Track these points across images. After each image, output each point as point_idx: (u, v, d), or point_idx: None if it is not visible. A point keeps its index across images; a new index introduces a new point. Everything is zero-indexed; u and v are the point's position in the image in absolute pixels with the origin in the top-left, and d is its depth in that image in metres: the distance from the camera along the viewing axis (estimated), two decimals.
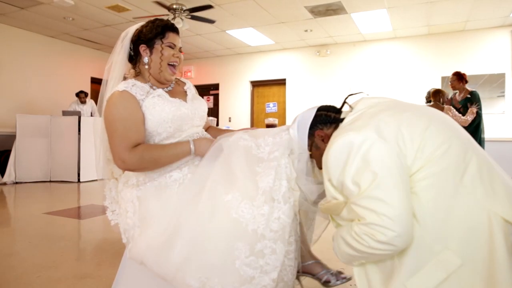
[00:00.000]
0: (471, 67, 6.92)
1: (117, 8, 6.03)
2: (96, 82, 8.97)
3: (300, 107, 8.43)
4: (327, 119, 1.32)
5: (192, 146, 1.38)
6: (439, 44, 7.27)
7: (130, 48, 1.49)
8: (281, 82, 8.80)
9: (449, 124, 1.14)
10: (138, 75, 1.51)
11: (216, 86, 9.58)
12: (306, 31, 7.20)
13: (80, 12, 6.24)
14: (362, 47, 7.96)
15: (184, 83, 1.64)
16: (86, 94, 7.37)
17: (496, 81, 6.85)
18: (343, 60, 8.10)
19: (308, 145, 1.34)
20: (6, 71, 6.87)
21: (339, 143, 1.09)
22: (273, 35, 7.56)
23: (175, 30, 1.49)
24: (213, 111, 9.61)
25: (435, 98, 4.83)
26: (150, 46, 1.45)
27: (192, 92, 1.60)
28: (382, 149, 1.03)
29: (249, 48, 8.60)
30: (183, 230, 1.24)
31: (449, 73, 6.97)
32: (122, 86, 1.40)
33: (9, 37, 6.99)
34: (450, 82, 4.85)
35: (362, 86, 7.93)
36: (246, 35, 7.54)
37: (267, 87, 9.09)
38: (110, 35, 7.58)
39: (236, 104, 9.26)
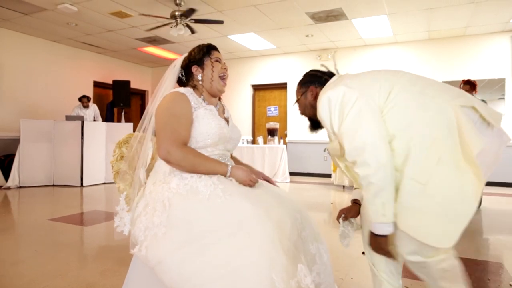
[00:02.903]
0: (471, 72, 6.96)
1: (120, 14, 6.10)
2: (99, 86, 9.04)
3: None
4: (320, 80, 1.64)
5: (228, 172, 1.48)
6: (440, 49, 7.32)
7: (181, 74, 1.69)
8: (283, 86, 8.85)
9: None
10: (194, 88, 1.67)
11: None
12: (307, 36, 7.26)
13: (83, 18, 6.31)
14: (363, 52, 8.00)
15: (224, 108, 1.80)
16: (88, 99, 7.44)
17: (497, 84, 6.90)
18: (344, 64, 8.15)
19: (300, 92, 1.70)
20: (10, 75, 6.95)
21: (322, 101, 1.43)
22: (274, 40, 7.62)
23: (217, 48, 1.73)
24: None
25: None
26: (201, 65, 1.66)
27: (231, 120, 1.78)
28: (352, 95, 1.36)
29: (251, 52, 8.66)
30: (210, 253, 1.24)
31: (450, 78, 7.03)
32: (182, 90, 1.58)
33: (13, 42, 7.07)
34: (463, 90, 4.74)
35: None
36: (248, 39, 7.60)
37: (268, 91, 9.14)
38: (113, 40, 7.66)
39: (237, 108, 9.31)
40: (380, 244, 1.35)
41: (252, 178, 1.50)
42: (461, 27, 6.63)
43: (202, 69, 1.66)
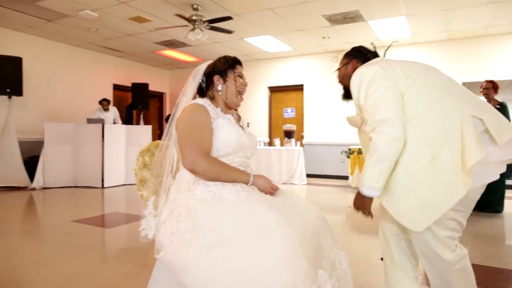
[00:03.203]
0: (493, 72, 6.81)
1: (139, 19, 6.22)
2: (119, 89, 9.24)
3: (317, 113, 8.48)
4: (364, 57, 1.82)
5: (251, 181, 1.54)
6: (460, 49, 7.19)
7: (202, 80, 1.74)
8: (299, 88, 8.85)
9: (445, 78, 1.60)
10: (211, 99, 1.73)
11: None
12: (323, 38, 7.24)
13: (104, 23, 6.46)
14: (380, 53, 7.91)
15: (240, 117, 1.86)
16: (108, 102, 7.62)
17: None
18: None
19: (343, 62, 1.87)
20: (35, 80, 7.18)
21: (356, 74, 1.61)
22: (290, 42, 7.62)
23: (241, 63, 1.81)
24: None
25: None
26: (223, 76, 1.71)
27: (247, 128, 1.85)
28: (382, 76, 1.52)
29: (267, 54, 8.69)
30: (233, 258, 1.28)
31: (470, 79, 6.90)
32: (200, 101, 1.64)
33: (37, 48, 7.30)
34: (484, 89, 4.54)
35: None
36: (264, 42, 7.64)
37: (284, 93, 9.15)
38: (132, 44, 7.81)
39: (254, 110, 9.36)
40: (364, 203, 1.56)
41: (273, 186, 1.56)
42: (482, 27, 6.49)
43: (224, 80, 1.71)
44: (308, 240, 1.37)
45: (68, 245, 3.05)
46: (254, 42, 7.64)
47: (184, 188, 1.55)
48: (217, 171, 1.52)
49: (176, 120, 1.64)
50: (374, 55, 1.84)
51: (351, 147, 6.75)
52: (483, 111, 1.41)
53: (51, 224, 3.87)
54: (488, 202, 4.53)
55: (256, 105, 9.38)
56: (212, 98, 1.72)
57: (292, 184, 7.26)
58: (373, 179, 1.45)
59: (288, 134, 7.80)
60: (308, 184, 7.36)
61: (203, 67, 1.75)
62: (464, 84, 7.10)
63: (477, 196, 1.50)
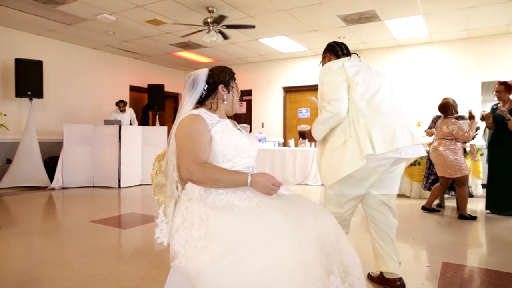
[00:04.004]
0: None
1: (155, 22, 6.31)
2: (135, 90, 9.38)
3: None
4: (336, 51, 2.30)
5: (249, 180, 1.53)
6: (479, 48, 7.03)
7: (204, 88, 1.77)
8: (314, 88, 8.78)
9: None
10: (208, 108, 1.78)
11: (249, 92, 9.74)
12: (338, 38, 7.18)
13: (121, 26, 6.58)
14: (397, 52, 7.83)
15: (235, 123, 1.89)
16: (125, 103, 7.75)
17: None
18: (377, 65, 7.96)
19: (322, 57, 2.37)
20: (54, 83, 7.36)
21: (324, 66, 2.19)
22: (305, 42, 7.60)
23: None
24: (246, 117, 9.77)
25: (446, 112, 4.55)
26: (227, 86, 1.79)
27: (245, 130, 1.87)
28: (341, 71, 2.08)
29: (282, 54, 8.68)
30: (246, 264, 1.29)
31: (490, 79, 6.74)
32: (195, 111, 1.67)
33: (56, 51, 7.49)
34: (497, 91, 4.48)
35: (397, 92, 7.79)
36: (279, 43, 7.63)
37: (299, 93, 9.13)
38: (148, 46, 7.93)
39: (268, 110, 9.36)
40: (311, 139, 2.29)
41: (275, 182, 1.54)
42: (503, 25, 6.34)
43: (228, 90, 1.79)
44: (320, 246, 1.38)
45: (86, 246, 3.13)
46: (269, 42, 7.65)
47: (195, 197, 1.58)
48: (213, 176, 1.54)
49: (174, 132, 1.66)
50: (346, 52, 2.29)
51: None
52: (378, 124, 1.96)
53: (70, 224, 3.97)
54: (508, 205, 4.43)
55: (270, 106, 9.38)
56: (209, 108, 1.76)
57: (307, 185, 7.24)
58: (319, 131, 2.13)
59: (303, 135, 7.76)
60: (323, 185, 7.31)
61: (202, 76, 1.77)
62: (484, 83, 6.95)
63: (366, 176, 2.07)
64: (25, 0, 5.36)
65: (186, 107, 1.73)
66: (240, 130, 1.82)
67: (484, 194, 4.87)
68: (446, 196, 5.21)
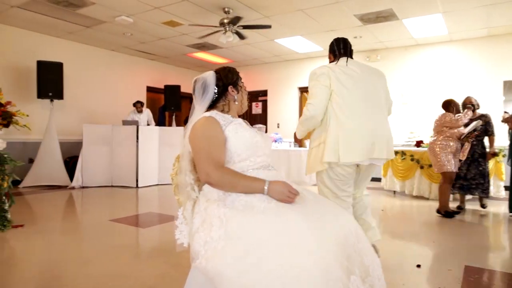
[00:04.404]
0: None
1: (172, 23, 6.37)
2: (152, 91, 9.50)
3: None
4: (334, 52, 2.50)
5: (266, 187, 1.52)
6: (501, 46, 6.85)
7: (214, 92, 1.77)
8: None
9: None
10: (220, 110, 1.78)
11: (264, 93, 9.74)
12: (355, 37, 7.12)
13: (138, 28, 6.67)
14: (415, 52, 7.70)
15: (247, 122, 1.89)
16: (142, 104, 7.85)
17: None
18: (395, 65, 7.89)
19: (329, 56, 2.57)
20: (74, 84, 7.51)
21: (311, 71, 2.37)
22: (321, 42, 7.55)
23: None
24: (262, 118, 9.77)
25: (447, 109, 4.64)
26: (236, 86, 1.81)
27: (260, 131, 1.88)
28: (324, 77, 2.25)
29: (297, 54, 8.65)
30: (266, 264, 1.29)
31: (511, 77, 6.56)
32: (207, 113, 1.68)
33: (76, 53, 7.65)
34: None
35: (415, 92, 7.67)
36: (295, 43, 7.61)
37: None
38: (165, 47, 8.01)
39: (284, 110, 9.34)
40: (298, 142, 2.58)
41: (291, 189, 1.52)
42: None
43: (237, 90, 1.81)
44: (341, 246, 1.37)
45: (106, 244, 3.18)
46: (285, 43, 7.63)
47: (213, 198, 1.58)
48: (231, 180, 1.54)
49: (188, 136, 1.67)
50: (344, 52, 2.44)
51: None
52: (347, 134, 2.19)
53: (90, 222, 4.05)
54: None
55: (286, 106, 9.36)
56: (222, 109, 1.78)
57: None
58: (301, 131, 2.42)
59: None
60: None
61: (210, 80, 1.77)
62: (506, 83, 6.77)
63: (343, 178, 2.28)
64: (46, 3, 5.48)
65: (198, 111, 1.73)
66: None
67: (507, 196, 4.75)
68: (467, 198, 5.09)
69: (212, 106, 1.78)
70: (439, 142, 4.51)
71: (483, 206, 4.88)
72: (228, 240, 1.40)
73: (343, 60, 2.36)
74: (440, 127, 4.55)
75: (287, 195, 1.50)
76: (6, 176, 3.58)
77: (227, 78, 1.79)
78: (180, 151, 1.78)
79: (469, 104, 4.61)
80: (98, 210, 4.70)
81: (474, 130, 4.48)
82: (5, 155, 3.59)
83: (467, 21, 6.17)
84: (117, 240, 3.32)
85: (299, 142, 2.61)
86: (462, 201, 4.93)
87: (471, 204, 5.15)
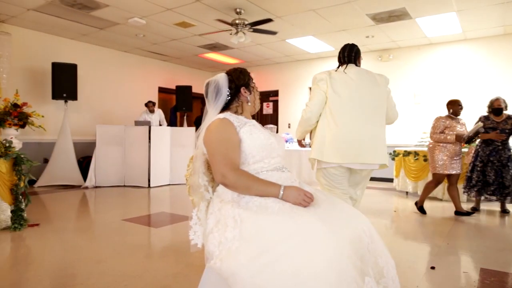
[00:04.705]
0: None
1: (184, 25, 6.41)
2: (164, 92, 9.57)
3: None
4: (340, 60, 2.67)
5: (281, 192, 1.52)
6: None
7: (227, 94, 1.77)
8: None
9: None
10: (234, 111, 1.79)
11: (275, 93, 9.73)
12: (367, 37, 7.07)
13: (150, 29, 6.73)
14: (428, 51, 7.60)
15: (260, 125, 1.91)
16: (153, 104, 7.92)
17: None
18: (407, 65, 7.81)
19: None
20: (88, 85, 7.63)
21: (313, 76, 2.57)
22: (332, 42, 7.51)
23: None
24: (273, 118, 9.77)
25: (448, 109, 4.66)
26: (248, 87, 1.82)
27: (272, 131, 1.88)
28: (322, 83, 2.47)
29: (309, 55, 8.62)
30: (280, 265, 1.29)
31: None
32: (221, 115, 1.68)
33: (89, 55, 7.76)
34: None
35: (428, 92, 7.57)
36: (306, 43, 7.59)
37: None
38: (176, 48, 8.07)
39: (295, 111, 9.31)
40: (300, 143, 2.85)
41: (306, 193, 1.52)
42: None
43: (250, 91, 1.82)
44: (355, 247, 1.37)
45: (120, 244, 3.22)
46: (296, 43, 7.62)
47: (228, 199, 1.59)
48: (247, 183, 1.55)
49: (203, 138, 1.67)
50: (348, 60, 2.60)
51: (396, 149, 6.54)
52: (336, 137, 2.39)
53: (103, 222, 4.10)
54: None
55: (297, 106, 9.32)
56: (235, 111, 1.78)
57: None
58: (298, 132, 2.66)
59: None
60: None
61: (223, 82, 1.77)
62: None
63: (335, 177, 2.48)
64: (61, 6, 5.58)
65: (212, 114, 1.73)
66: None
67: None
68: (482, 198, 5.00)
69: (225, 108, 1.78)
70: (440, 144, 4.53)
71: (505, 211, 4.74)
72: (242, 241, 1.41)
73: (344, 67, 2.54)
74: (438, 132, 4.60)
75: (302, 199, 1.50)
76: (23, 176, 3.65)
77: (239, 79, 1.79)
78: (194, 153, 1.79)
79: (497, 106, 4.51)
80: (111, 210, 4.76)
81: (477, 133, 4.43)
82: (22, 155, 3.65)
83: (482, 19, 6.07)
84: (130, 240, 3.36)
85: (299, 142, 2.85)
86: (478, 203, 4.85)
87: (486, 205, 5.07)
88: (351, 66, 2.54)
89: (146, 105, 7.89)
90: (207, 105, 1.78)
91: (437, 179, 4.57)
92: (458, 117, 4.62)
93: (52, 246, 3.15)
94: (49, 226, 3.80)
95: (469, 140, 4.49)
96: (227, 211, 1.54)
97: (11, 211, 3.59)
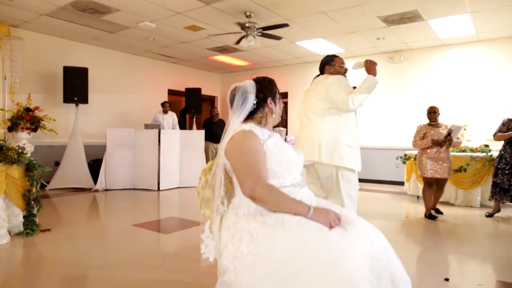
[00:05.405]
0: None
1: (194, 28, 6.41)
2: (173, 94, 9.60)
3: (370, 115, 8.20)
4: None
5: (311, 212, 1.49)
6: None
7: (254, 103, 1.71)
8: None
9: None
10: (257, 122, 1.74)
11: (285, 95, 9.68)
12: (378, 39, 6.99)
13: (160, 33, 6.75)
14: (440, 52, 7.49)
15: (280, 133, 1.87)
16: (170, 104, 7.98)
17: None
18: (419, 66, 7.70)
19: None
20: (99, 88, 7.66)
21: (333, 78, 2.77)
22: (343, 44, 7.45)
23: None
24: (282, 120, 9.70)
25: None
26: (273, 98, 1.77)
27: (281, 134, 1.84)
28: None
29: (318, 56, 8.54)
30: (296, 281, 1.29)
31: None
32: (247, 127, 1.64)
33: (100, 57, 7.82)
34: None
35: (440, 93, 7.46)
36: (316, 45, 7.53)
37: None
38: (186, 50, 8.09)
39: None
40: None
41: (335, 218, 1.49)
42: None
43: (275, 103, 1.77)
44: (370, 263, 1.35)
45: (130, 251, 3.21)
46: (306, 45, 7.57)
47: (243, 212, 1.57)
48: (277, 199, 1.52)
49: (225, 149, 1.63)
50: (321, 72, 2.94)
51: (407, 152, 6.45)
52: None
53: (114, 227, 4.11)
54: None
55: None
56: (259, 121, 1.73)
57: None
58: (364, 89, 2.65)
59: None
60: (361, 190, 7.13)
61: (250, 89, 1.71)
62: None
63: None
64: (73, 11, 5.62)
65: (235, 123, 1.67)
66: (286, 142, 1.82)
67: None
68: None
69: (248, 116, 1.72)
70: (425, 150, 4.71)
71: None
72: (258, 256, 1.39)
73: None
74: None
75: (332, 219, 1.47)
76: (35, 182, 3.68)
77: (267, 89, 1.74)
78: (215, 162, 1.75)
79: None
80: (122, 214, 4.78)
81: (449, 134, 4.49)
82: (34, 161, 3.68)
83: (496, 21, 5.95)
84: (141, 247, 3.36)
85: None
86: (497, 208, 4.70)
87: (503, 211, 4.95)
88: (317, 77, 2.92)
89: (163, 105, 7.93)
90: (231, 112, 1.73)
91: (428, 183, 4.72)
92: (439, 122, 4.82)
93: (63, 252, 3.17)
94: (61, 231, 3.82)
95: (447, 141, 4.49)
96: (242, 225, 1.52)
97: (24, 217, 3.62)
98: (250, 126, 1.65)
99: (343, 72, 2.88)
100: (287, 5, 5.31)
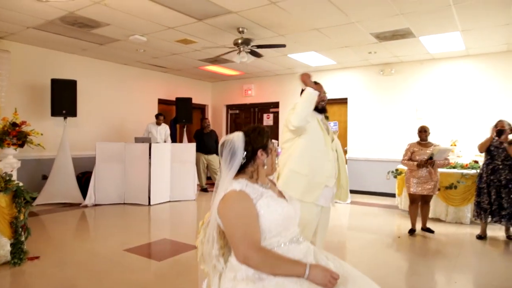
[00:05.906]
0: None
1: (185, 41, 6.34)
2: (163, 103, 9.48)
3: (362, 126, 8.24)
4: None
5: (307, 271, 1.45)
6: None
7: (243, 157, 1.66)
8: (343, 101, 8.64)
9: None
10: (249, 176, 1.68)
11: (276, 104, 9.67)
12: (370, 53, 7.02)
13: (151, 46, 6.65)
14: (430, 66, 7.56)
15: (274, 183, 1.83)
16: (164, 117, 7.88)
17: None
18: (409, 79, 7.76)
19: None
20: (88, 99, 7.50)
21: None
22: (334, 57, 7.46)
23: None
24: (273, 130, 9.68)
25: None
26: (265, 149, 1.70)
27: (287, 193, 1.80)
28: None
29: (310, 68, 8.56)
30: None
31: None
32: (237, 186, 1.59)
33: (88, 68, 7.66)
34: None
35: (430, 107, 7.53)
36: (308, 57, 7.53)
37: (327, 106, 8.91)
38: (177, 61, 8.00)
39: None
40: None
41: (332, 274, 1.47)
42: None
43: (267, 153, 1.70)
44: None
45: (121, 282, 3.13)
46: (298, 57, 7.55)
47: (241, 276, 1.53)
48: (272, 264, 1.49)
49: (217, 208, 1.59)
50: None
51: (399, 167, 6.49)
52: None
53: (104, 253, 3.94)
54: None
55: None
56: (250, 176, 1.68)
57: (336, 202, 7.08)
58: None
59: None
60: (352, 203, 7.16)
61: (239, 144, 1.66)
62: None
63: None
64: (61, 25, 5.48)
65: (226, 179, 1.64)
66: (282, 194, 1.76)
67: None
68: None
69: (240, 171, 1.68)
70: (414, 167, 4.81)
71: (510, 237, 4.67)
72: None
73: None
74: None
75: (328, 280, 1.44)
76: (23, 208, 3.57)
77: (256, 142, 1.68)
78: (207, 219, 1.72)
79: (500, 127, 4.52)
80: (112, 236, 4.67)
81: (431, 157, 4.61)
82: (22, 187, 3.57)
83: (486, 38, 6.03)
84: (132, 277, 3.27)
85: None
86: (484, 230, 4.73)
87: (490, 230, 4.98)
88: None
89: (157, 117, 7.84)
90: (221, 165, 1.69)
91: (412, 199, 4.90)
92: (429, 141, 4.93)
93: (52, 284, 3.07)
94: (49, 258, 3.70)
95: (427, 164, 4.65)
96: None
97: (11, 244, 3.50)
98: (241, 184, 1.60)
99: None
100: (280, 21, 5.28)
